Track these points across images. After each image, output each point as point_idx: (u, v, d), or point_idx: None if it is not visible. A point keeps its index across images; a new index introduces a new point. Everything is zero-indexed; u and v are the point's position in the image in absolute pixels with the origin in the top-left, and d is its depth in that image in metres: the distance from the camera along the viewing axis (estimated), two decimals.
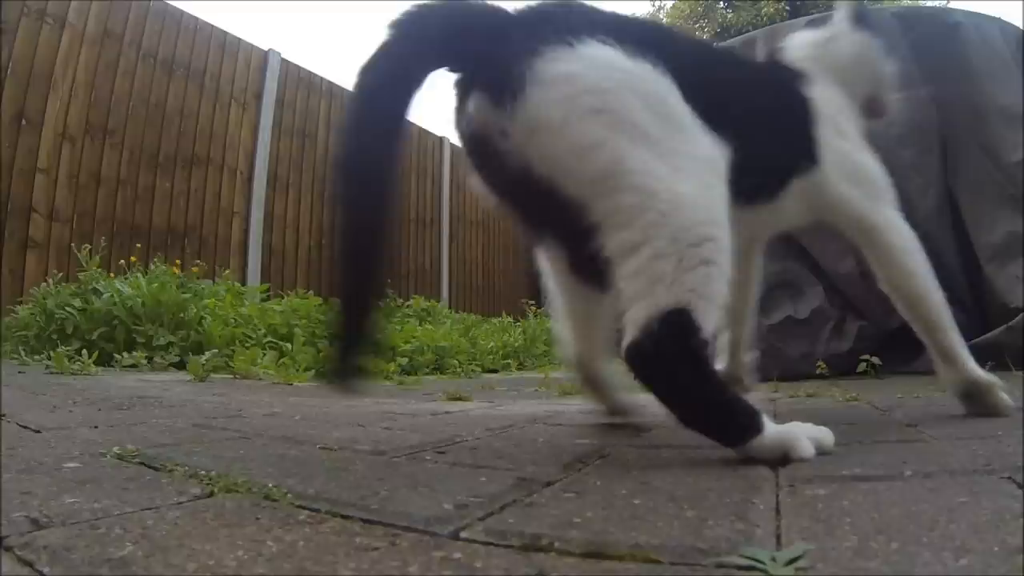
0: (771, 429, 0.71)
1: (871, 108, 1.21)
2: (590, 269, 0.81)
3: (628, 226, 0.72)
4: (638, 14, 0.98)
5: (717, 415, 0.72)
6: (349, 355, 0.75)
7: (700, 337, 0.70)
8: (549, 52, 0.73)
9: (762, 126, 0.89)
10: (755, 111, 0.89)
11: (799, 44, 1.21)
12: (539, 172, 0.74)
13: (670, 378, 0.70)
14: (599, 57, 0.74)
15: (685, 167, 0.73)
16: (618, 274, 0.73)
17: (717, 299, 0.72)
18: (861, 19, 1.22)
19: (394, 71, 0.75)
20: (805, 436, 0.72)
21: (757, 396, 1.45)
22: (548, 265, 0.99)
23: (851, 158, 1.03)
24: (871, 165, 1.06)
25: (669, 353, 0.69)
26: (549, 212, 0.80)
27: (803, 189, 0.99)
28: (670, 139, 0.74)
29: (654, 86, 0.75)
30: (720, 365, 1.27)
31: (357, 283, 0.78)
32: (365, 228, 0.79)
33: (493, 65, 0.75)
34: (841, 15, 1.23)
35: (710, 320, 0.71)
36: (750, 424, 0.71)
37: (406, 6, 0.79)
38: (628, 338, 0.71)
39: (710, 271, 0.71)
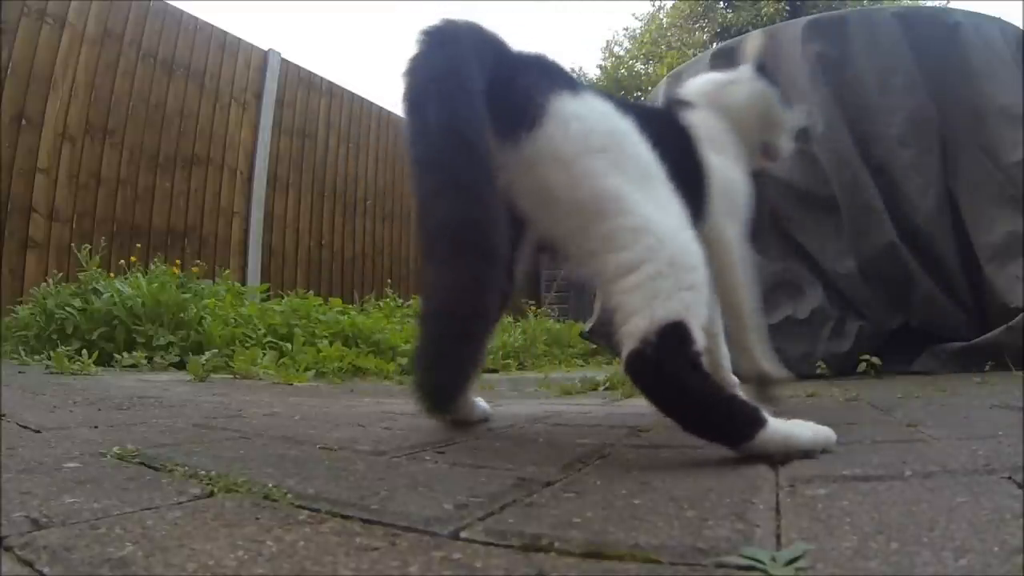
0: (775, 424, 0.74)
1: (765, 152, 1.33)
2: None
3: (628, 248, 0.77)
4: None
5: (719, 415, 0.74)
6: (456, 380, 0.74)
7: (695, 347, 0.74)
8: (564, 92, 0.81)
9: (679, 171, 0.93)
10: (673, 158, 0.92)
11: (697, 83, 1.33)
12: (522, 204, 0.80)
13: (671, 383, 0.73)
14: (601, 106, 0.86)
15: (667, 207, 0.83)
16: (615, 290, 0.77)
17: (702, 319, 0.78)
18: (762, 70, 1.33)
19: (464, 78, 0.76)
20: (809, 431, 0.76)
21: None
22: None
23: (724, 175, 1.13)
24: (740, 184, 1.18)
25: (669, 360, 0.72)
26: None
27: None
28: (651, 181, 0.84)
29: (637, 137, 0.86)
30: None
31: (471, 304, 0.71)
32: (479, 241, 0.71)
33: (515, 93, 0.80)
34: (747, 66, 1.34)
35: (700, 335, 0.75)
36: (753, 420, 0.73)
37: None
38: (628, 348, 0.73)
39: (699, 295, 0.78)
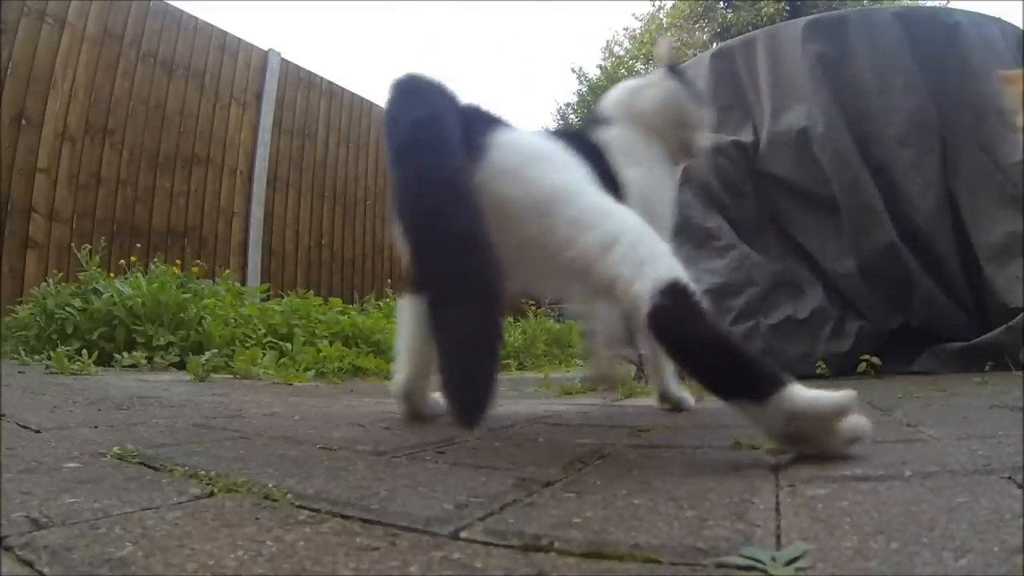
0: (800, 388, 0.71)
1: (683, 149, 1.37)
2: None
3: (598, 225, 0.82)
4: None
5: (745, 365, 0.72)
6: (489, 396, 0.76)
7: (698, 299, 0.77)
8: (500, 129, 0.95)
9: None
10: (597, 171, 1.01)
11: (614, 93, 1.37)
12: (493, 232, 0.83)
13: (695, 333, 0.74)
14: (528, 135, 1.01)
15: (607, 196, 0.91)
16: (605, 265, 0.80)
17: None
18: (673, 71, 1.37)
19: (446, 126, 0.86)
20: (835, 397, 0.71)
21: None
22: (415, 309, 1.11)
23: (642, 188, 1.17)
24: (662, 192, 1.26)
25: (685, 313, 0.76)
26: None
27: None
28: (588, 179, 0.92)
29: (567, 153, 0.96)
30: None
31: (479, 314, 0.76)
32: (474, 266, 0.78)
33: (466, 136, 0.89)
34: (659, 69, 1.38)
35: (695, 288, 0.78)
36: (776, 376, 0.71)
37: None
38: (645, 309, 0.76)
39: (674, 257, 0.82)
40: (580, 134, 1.23)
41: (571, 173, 0.91)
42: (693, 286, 0.77)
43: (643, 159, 1.22)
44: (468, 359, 0.75)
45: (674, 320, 0.75)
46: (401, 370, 1.18)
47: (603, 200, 0.87)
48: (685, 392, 1.40)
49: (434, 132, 0.84)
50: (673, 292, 0.75)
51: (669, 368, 1.38)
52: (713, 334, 0.74)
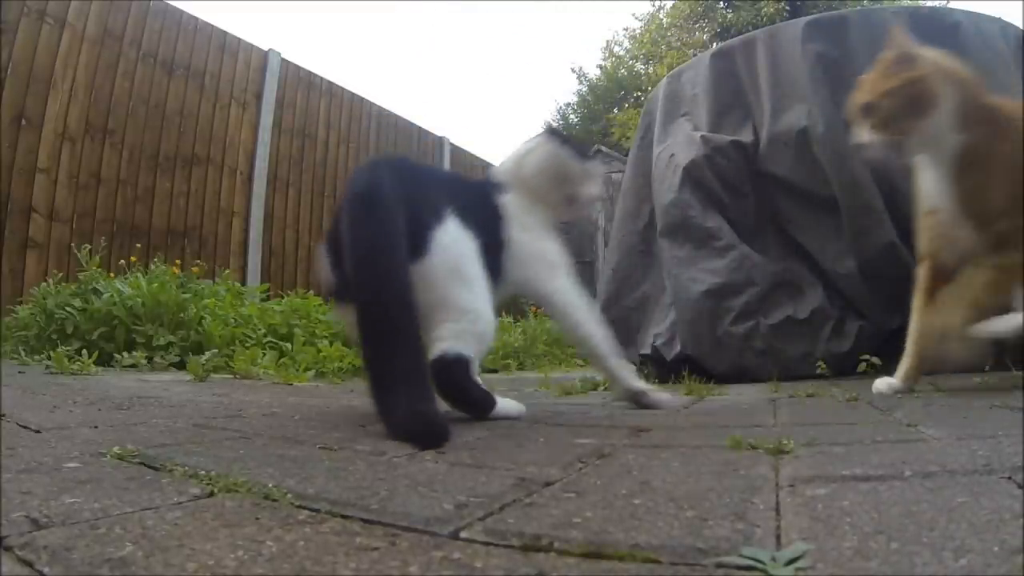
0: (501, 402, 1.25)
1: (570, 203, 1.50)
2: None
3: (457, 320, 1.20)
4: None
5: (476, 397, 1.23)
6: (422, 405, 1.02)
7: (472, 368, 1.20)
8: (438, 226, 1.20)
9: (490, 239, 1.31)
10: (489, 234, 1.32)
11: (505, 163, 1.52)
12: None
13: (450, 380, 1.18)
14: (457, 236, 1.23)
15: (479, 294, 1.24)
16: (438, 333, 1.18)
17: (485, 350, 1.28)
18: (551, 132, 1.52)
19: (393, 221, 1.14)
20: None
21: (758, 395, 1.45)
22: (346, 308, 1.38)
23: (531, 247, 1.39)
24: (548, 248, 1.43)
25: (458, 372, 1.18)
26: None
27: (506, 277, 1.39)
28: (476, 280, 1.24)
29: (474, 255, 1.25)
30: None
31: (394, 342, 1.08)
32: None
33: (413, 224, 1.17)
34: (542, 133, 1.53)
35: (478, 359, 1.23)
36: (491, 398, 1.24)
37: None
38: (436, 355, 1.16)
39: (483, 346, 1.25)
40: (489, 198, 1.42)
41: (463, 279, 1.23)
42: (475, 361, 1.20)
43: (529, 225, 1.40)
44: (410, 374, 1.04)
45: (446, 374, 1.16)
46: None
47: (473, 304, 1.23)
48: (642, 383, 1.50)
49: (379, 215, 1.13)
50: (445, 356, 1.16)
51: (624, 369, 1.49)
52: (457, 380, 1.18)
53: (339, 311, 1.40)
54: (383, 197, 1.15)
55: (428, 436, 0.93)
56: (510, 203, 1.40)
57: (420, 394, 1.02)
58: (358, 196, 1.16)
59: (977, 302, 1.45)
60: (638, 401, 1.44)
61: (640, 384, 1.46)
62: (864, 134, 1.48)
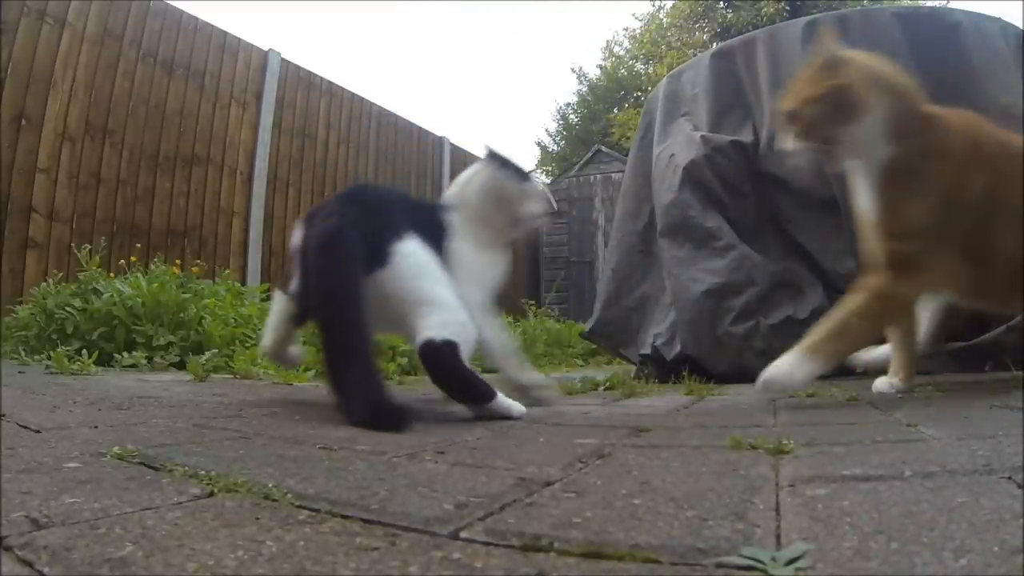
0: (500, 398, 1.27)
1: (513, 223, 1.60)
2: (303, 318, 1.51)
3: (438, 312, 1.30)
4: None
5: (473, 384, 1.27)
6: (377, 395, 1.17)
7: (462, 354, 1.25)
8: (398, 241, 1.32)
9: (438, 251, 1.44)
10: (438, 245, 1.45)
11: (451, 189, 1.63)
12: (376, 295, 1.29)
13: (449, 366, 1.25)
14: (416, 247, 1.35)
15: (451, 289, 1.35)
16: (422, 324, 1.27)
17: (471, 343, 1.33)
18: (491, 156, 1.60)
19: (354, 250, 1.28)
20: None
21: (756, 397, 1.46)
22: (285, 307, 1.54)
23: (466, 258, 1.50)
24: (478, 264, 1.53)
25: (449, 355, 1.24)
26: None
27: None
28: (444, 278, 1.36)
29: (434, 264, 1.37)
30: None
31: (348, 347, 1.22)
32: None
33: (373, 238, 1.31)
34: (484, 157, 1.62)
35: (466, 350, 1.28)
36: (487, 392, 1.26)
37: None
38: (421, 342, 1.24)
39: (466, 330, 1.30)
40: (440, 219, 1.52)
41: (445, 286, 1.35)
42: (464, 347, 1.26)
43: (470, 238, 1.51)
44: (361, 387, 1.17)
45: (437, 357, 1.24)
46: (267, 338, 1.58)
47: (444, 298, 1.33)
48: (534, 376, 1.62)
49: (339, 238, 1.27)
50: (433, 341, 1.23)
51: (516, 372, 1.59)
52: (448, 362, 1.25)
53: (277, 302, 1.57)
54: (343, 241, 1.28)
55: (380, 417, 1.09)
56: (457, 222, 1.52)
57: (374, 388, 1.17)
58: (321, 244, 1.29)
59: (848, 330, 1.36)
60: (528, 395, 1.53)
61: (526, 379, 1.57)
62: (788, 141, 1.43)
